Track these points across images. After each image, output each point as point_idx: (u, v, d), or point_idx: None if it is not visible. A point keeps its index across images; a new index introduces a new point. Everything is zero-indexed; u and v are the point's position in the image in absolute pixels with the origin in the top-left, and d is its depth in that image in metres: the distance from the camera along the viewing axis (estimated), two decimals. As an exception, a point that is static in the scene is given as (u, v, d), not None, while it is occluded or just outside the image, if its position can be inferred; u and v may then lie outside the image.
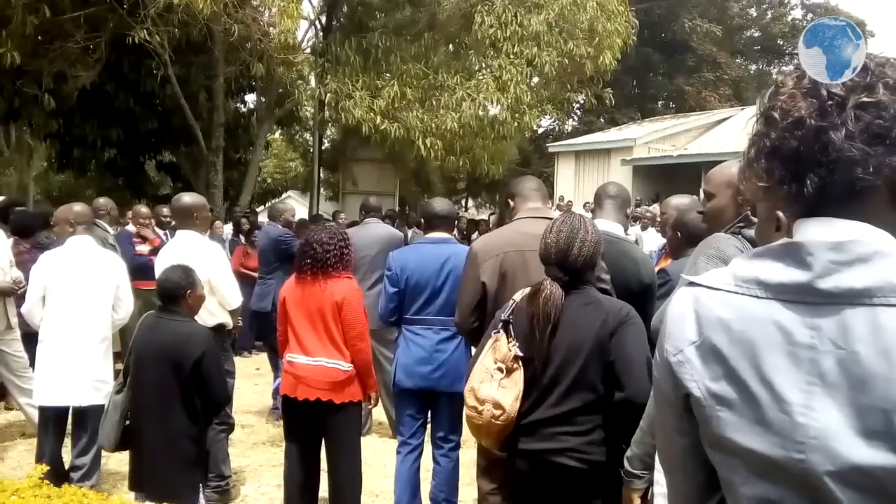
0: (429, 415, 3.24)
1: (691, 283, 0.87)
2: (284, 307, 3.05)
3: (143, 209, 6.08)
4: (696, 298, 0.84)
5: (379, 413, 4.49)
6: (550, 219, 2.69)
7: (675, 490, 0.94)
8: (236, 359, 4.47)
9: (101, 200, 5.54)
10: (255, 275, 6.65)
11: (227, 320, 3.63)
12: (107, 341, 3.49)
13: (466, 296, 2.55)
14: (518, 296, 2.06)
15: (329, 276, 2.95)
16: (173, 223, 5.41)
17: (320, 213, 10.97)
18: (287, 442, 3.13)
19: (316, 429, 3.07)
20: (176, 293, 2.71)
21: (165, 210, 5.97)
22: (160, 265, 3.17)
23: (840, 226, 0.77)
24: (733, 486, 0.82)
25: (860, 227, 0.77)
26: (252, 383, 5.80)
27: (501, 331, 2.00)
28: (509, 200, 2.71)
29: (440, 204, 3.42)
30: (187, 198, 3.75)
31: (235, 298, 3.65)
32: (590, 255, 1.99)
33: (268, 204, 20.37)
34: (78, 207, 3.72)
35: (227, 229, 8.15)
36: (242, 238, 7.61)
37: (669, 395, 0.86)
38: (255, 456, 4.27)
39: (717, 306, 0.82)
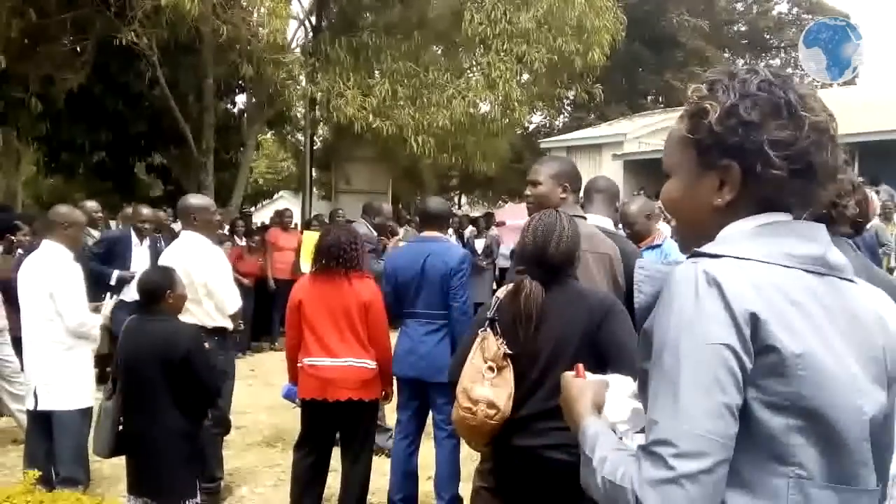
0: (420, 404, 3.35)
1: (715, 255, 0.89)
2: (299, 309, 3.04)
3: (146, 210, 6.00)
4: (740, 266, 0.87)
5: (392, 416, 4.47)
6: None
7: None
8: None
9: (89, 204, 5.50)
10: (246, 281, 6.63)
11: (227, 324, 3.61)
12: (65, 347, 3.34)
13: None
14: (501, 293, 2.05)
15: (352, 275, 3.00)
16: (149, 226, 5.38)
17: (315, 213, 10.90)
18: (303, 443, 3.15)
19: (334, 429, 3.13)
20: (157, 294, 2.72)
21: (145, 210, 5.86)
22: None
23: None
24: (789, 452, 0.83)
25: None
26: (246, 384, 5.78)
27: (488, 329, 1.99)
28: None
29: (432, 203, 3.55)
30: (190, 199, 3.74)
31: (233, 303, 3.62)
32: (568, 250, 1.98)
33: (260, 205, 20.30)
34: (53, 213, 3.55)
35: (220, 230, 8.07)
36: (237, 240, 7.51)
37: (740, 353, 0.82)
38: (251, 457, 4.26)
39: (761, 274, 0.86)
